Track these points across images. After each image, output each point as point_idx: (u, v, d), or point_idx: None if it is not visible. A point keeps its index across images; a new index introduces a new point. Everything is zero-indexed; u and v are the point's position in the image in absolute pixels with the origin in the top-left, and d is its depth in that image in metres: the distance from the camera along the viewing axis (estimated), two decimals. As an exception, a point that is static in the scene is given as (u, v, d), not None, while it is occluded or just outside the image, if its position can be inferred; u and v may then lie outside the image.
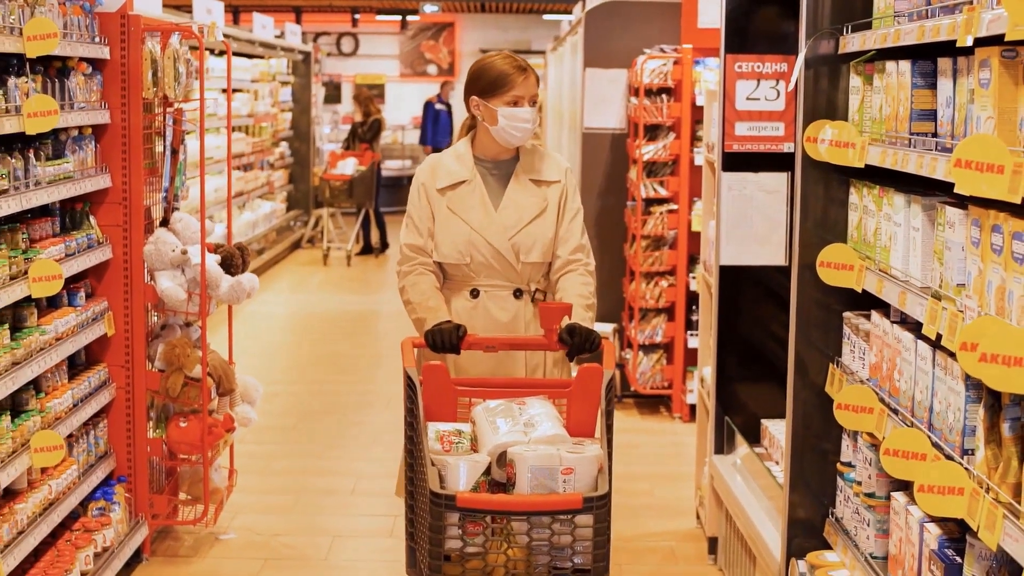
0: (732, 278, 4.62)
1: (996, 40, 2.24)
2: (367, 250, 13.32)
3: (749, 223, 4.52)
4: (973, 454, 2.41)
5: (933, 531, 2.65)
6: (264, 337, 9.09)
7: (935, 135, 2.71)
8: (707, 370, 4.87)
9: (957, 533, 2.60)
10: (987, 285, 2.32)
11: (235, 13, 17.43)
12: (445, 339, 3.35)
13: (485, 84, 3.59)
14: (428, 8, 19.11)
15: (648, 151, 6.78)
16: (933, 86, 2.71)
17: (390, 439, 6.20)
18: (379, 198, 13.49)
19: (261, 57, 12.76)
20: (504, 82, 3.56)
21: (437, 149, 16.20)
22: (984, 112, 2.33)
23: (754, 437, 4.43)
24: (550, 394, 3.25)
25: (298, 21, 18.11)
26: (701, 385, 5.11)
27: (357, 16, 19.81)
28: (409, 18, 19.95)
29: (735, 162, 4.51)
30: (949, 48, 2.54)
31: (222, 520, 4.98)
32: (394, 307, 10.27)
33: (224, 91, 10.34)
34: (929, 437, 2.61)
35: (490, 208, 3.61)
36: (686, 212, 6.73)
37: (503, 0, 18.22)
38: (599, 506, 2.81)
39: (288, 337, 9.37)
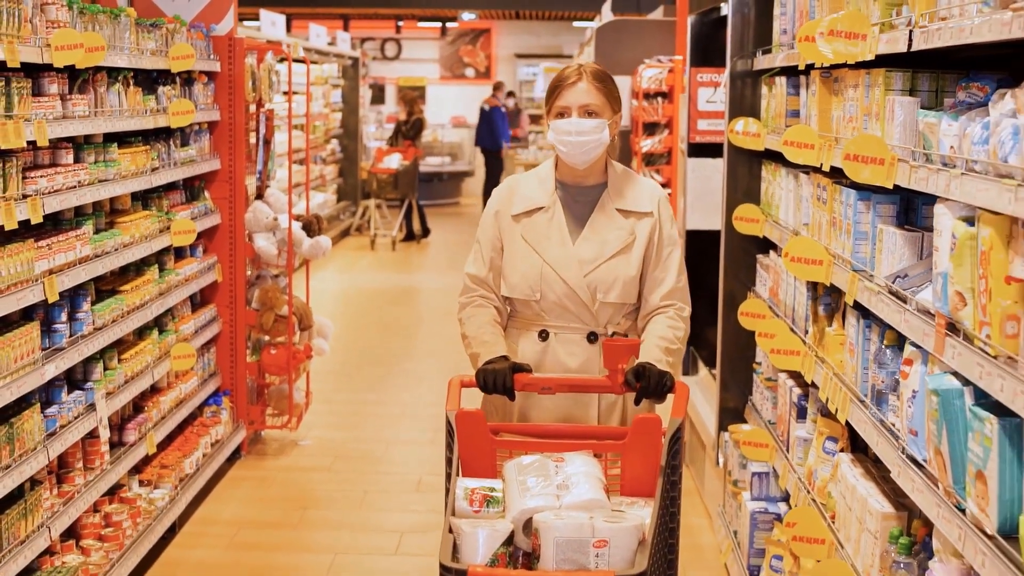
0: (697, 240, 5.94)
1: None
2: (410, 237, 14.66)
3: (709, 197, 5.85)
4: (809, 332, 3.74)
5: (796, 391, 3.96)
6: (322, 308, 10.44)
7: (800, 127, 4.02)
8: (679, 314, 6.19)
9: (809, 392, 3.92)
10: (817, 223, 3.64)
11: (287, 21, 18.79)
12: (497, 380, 2.98)
13: (546, 97, 3.27)
14: (466, 15, 20.46)
15: (646, 144, 8.10)
16: (797, 94, 4.03)
17: (430, 382, 7.56)
18: (419, 191, 14.80)
19: (315, 63, 14.14)
20: (552, 91, 3.22)
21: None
22: (814, 111, 3.65)
23: (713, 363, 5.74)
24: (602, 447, 2.89)
25: (345, 28, 19.44)
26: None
27: (400, 23, 21.21)
28: (448, 24, 21.36)
29: (698, 150, 5.87)
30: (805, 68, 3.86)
31: (300, 430, 6.36)
32: (433, 283, 11.69)
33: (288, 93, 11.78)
34: (790, 327, 3.93)
35: (567, 239, 3.21)
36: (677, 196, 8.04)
37: (535, 7, 19.44)
38: None
39: (342, 307, 10.75)
